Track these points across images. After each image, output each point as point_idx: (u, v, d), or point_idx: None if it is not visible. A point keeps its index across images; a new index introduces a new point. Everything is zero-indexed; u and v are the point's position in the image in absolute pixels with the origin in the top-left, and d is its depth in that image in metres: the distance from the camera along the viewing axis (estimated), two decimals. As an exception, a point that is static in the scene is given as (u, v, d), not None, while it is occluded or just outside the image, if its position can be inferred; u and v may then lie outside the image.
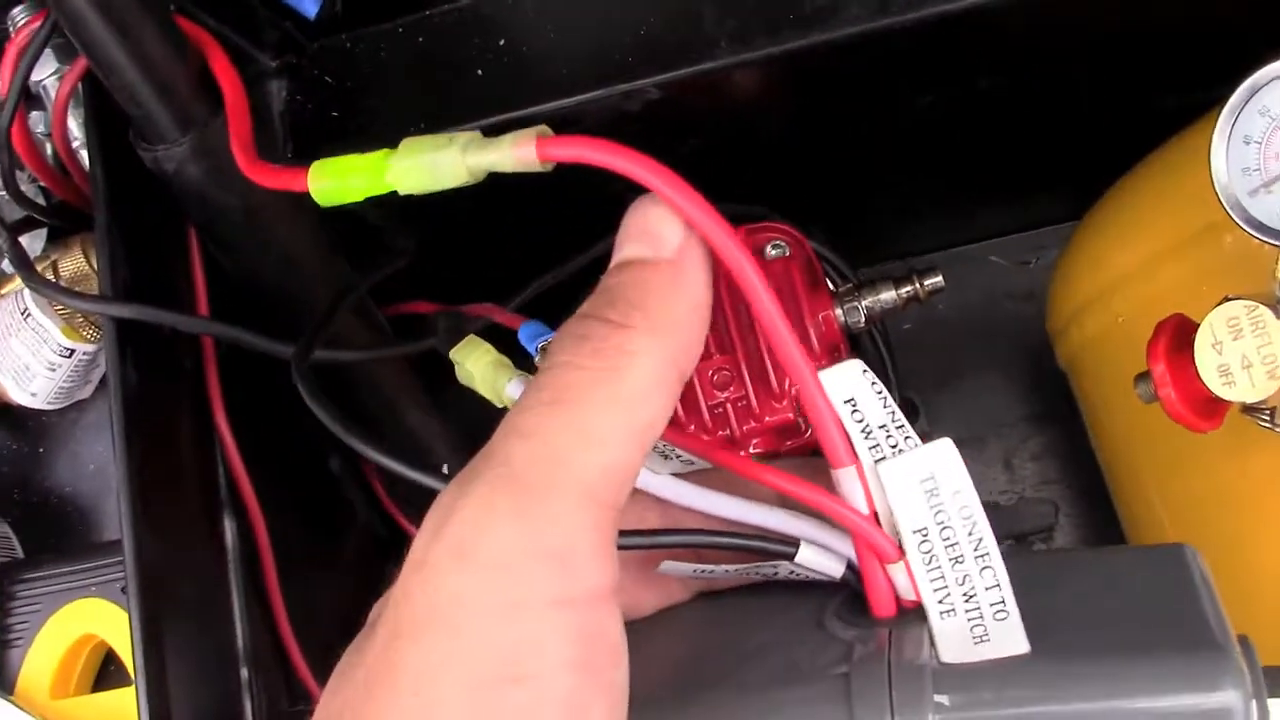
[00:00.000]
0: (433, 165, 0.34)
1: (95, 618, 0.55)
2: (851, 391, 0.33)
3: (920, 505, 0.31)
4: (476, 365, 0.40)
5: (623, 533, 0.31)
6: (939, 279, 0.67)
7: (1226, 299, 0.48)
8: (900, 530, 0.32)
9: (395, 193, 0.35)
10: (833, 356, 0.66)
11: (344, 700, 0.29)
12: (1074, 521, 0.82)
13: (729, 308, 0.65)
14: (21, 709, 0.52)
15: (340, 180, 0.35)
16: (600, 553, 0.29)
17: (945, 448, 0.32)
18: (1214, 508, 0.59)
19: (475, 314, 0.55)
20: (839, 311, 0.66)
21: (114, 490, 0.60)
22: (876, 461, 0.32)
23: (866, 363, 0.33)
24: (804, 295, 0.66)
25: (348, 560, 0.63)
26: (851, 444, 0.32)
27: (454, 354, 0.40)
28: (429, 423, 0.62)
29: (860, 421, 0.33)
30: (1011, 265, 0.85)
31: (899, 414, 0.33)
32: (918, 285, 0.66)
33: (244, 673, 0.53)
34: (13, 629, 0.54)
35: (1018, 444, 0.83)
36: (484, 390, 0.40)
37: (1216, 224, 0.56)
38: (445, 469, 0.62)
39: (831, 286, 0.68)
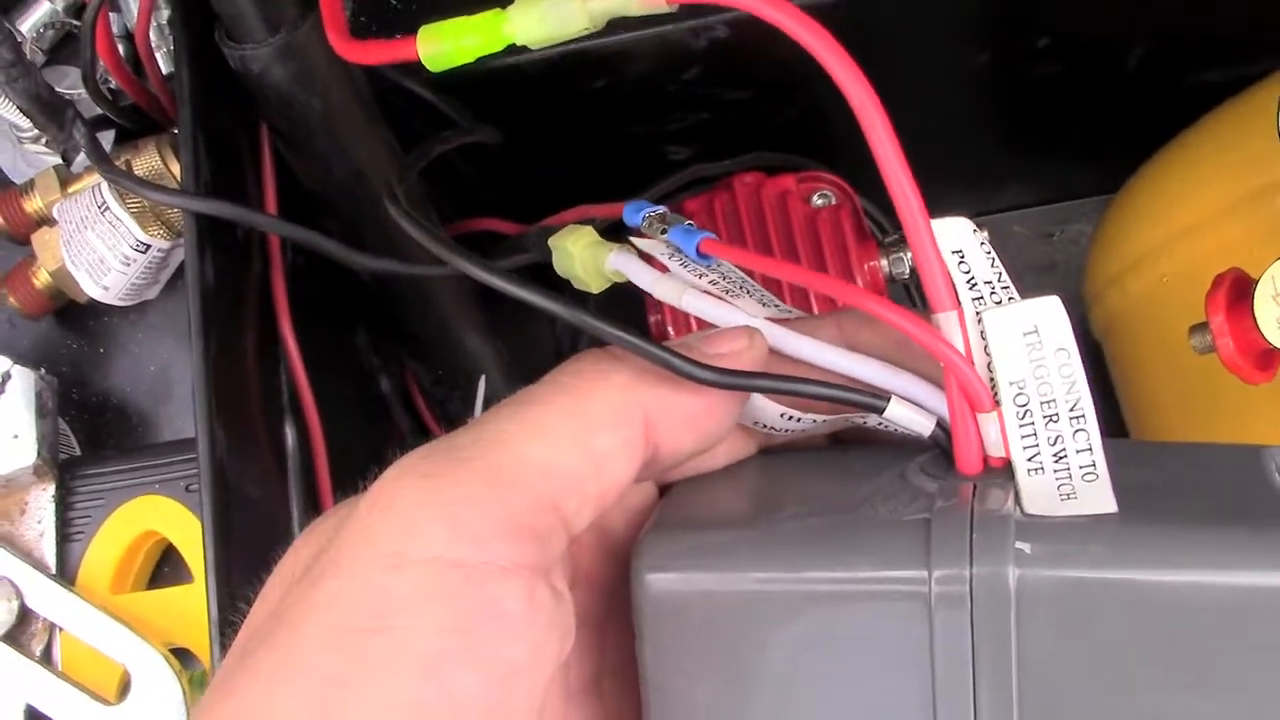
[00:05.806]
0: (553, 11, 0.34)
1: (158, 514, 0.55)
2: (960, 244, 0.32)
3: (1020, 357, 0.31)
4: (576, 245, 0.38)
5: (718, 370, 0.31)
6: (984, 235, 0.67)
7: (1289, 253, 0.49)
8: (997, 381, 0.31)
9: (509, 49, 0.35)
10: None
11: (257, 624, 0.29)
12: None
13: (779, 249, 0.66)
14: (85, 600, 0.52)
15: (453, 41, 0.35)
16: (511, 533, 0.28)
17: (1052, 304, 0.30)
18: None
19: (567, 216, 0.55)
20: (884, 262, 0.67)
21: (173, 393, 0.60)
22: (979, 313, 0.31)
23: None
24: (852, 244, 0.67)
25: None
26: (955, 291, 0.31)
27: (553, 240, 0.39)
28: (485, 347, 0.62)
29: (966, 273, 0.32)
30: (1035, 237, 0.87)
31: (1006, 276, 0.32)
32: (964, 240, 0.67)
33: (301, 579, 0.53)
34: (74, 523, 0.54)
35: (1035, 412, 0.84)
36: (583, 271, 0.39)
37: (1270, 185, 0.58)
38: (482, 380, 0.62)
39: (878, 235, 0.69)
